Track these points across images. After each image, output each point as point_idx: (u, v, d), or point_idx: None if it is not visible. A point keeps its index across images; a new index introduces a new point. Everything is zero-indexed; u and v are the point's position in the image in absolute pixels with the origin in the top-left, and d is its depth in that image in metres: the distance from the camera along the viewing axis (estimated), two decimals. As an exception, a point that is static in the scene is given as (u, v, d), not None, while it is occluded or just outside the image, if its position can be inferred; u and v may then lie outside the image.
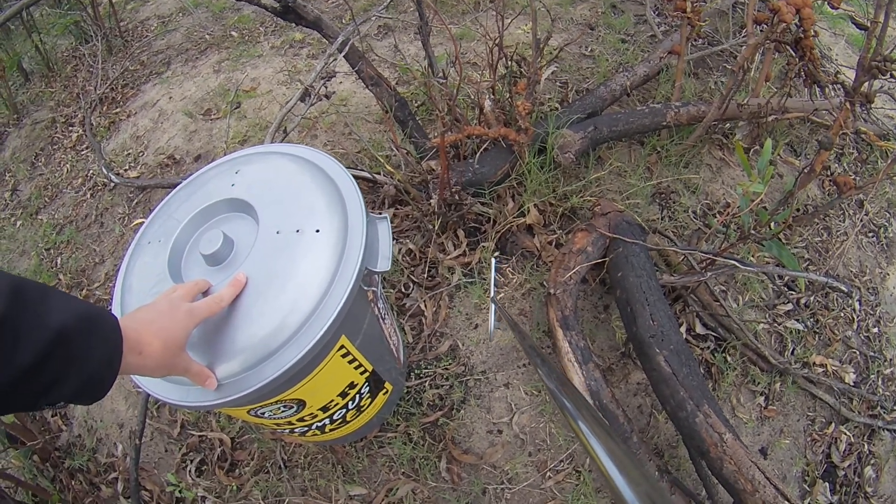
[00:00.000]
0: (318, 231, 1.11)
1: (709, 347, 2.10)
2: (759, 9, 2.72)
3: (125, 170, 3.10)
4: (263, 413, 1.24)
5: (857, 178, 2.71)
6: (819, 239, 2.50)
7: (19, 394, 0.59)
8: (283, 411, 1.26)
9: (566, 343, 1.78)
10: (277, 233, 1.11)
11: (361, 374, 1.39)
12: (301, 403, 1.27)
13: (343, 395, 1.39)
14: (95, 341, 0.67)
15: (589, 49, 3.21)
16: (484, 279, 2.19)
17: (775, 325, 2.20)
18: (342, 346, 1.20)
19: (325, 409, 1.38)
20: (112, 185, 3.04)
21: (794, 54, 2.07)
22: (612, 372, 2.04)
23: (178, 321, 0.87)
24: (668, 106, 2.44)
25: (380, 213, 1.31)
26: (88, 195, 3.09)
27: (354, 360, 1.29)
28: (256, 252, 1.09)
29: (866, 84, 1.83)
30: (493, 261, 1.64)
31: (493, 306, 1.52)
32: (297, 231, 1.11)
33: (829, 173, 2.72)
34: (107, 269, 2.70)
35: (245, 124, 3.09)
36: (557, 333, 1.81)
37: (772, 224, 1.86)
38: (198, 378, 0.95)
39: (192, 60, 3.80)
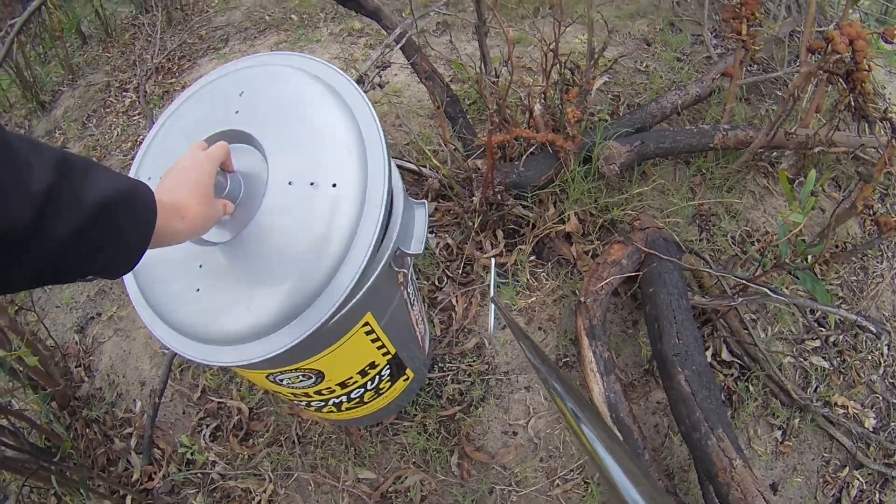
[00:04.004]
0: (334, 185, 0.99)
1: (732, 375, 2.08)
2: (814, 38, 2.68)
3: (174, 139, 3.14)
4: (282, 380, 1.25)
5: (900, 221, 2.65)
6: (855, 278, 2.46)
7: (64, 263, 0.61)
8: (301, 380, 1.27)
9: (591, 352, 1.78)
10: (290, 183, 1.00)
11: (384, 355, 1.39)
12: (320, 375, 1.27)
13: (363, 373, 1.40)
14: (133, 213, 0.69)
15: (644, 65, 3.19)
16: (518, 281, 2.20)
17: (801, 359, 2.17)
18: (367, 324, 1.19)
19: (343, 384, 1.39)
20: (160, 152, 3.07)
21: (845, 86, 2.04)
22: (634, 388, 2.03)
23: (204, 170, 0.87)
24: (717, 128, 2.42)
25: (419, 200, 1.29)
26: (136, 159, 3.13)
27: (378, 339, 1.29)
28: (267, 203, 1.00)
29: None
30: (492, 261, 1.64)
31: (492, 306, 1.52)
32: (312, 184, 0.99)
33: (871, 213, 2.67)
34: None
35: (297, 106, 3.10)
36: (583, 342, 1.81)
37: (808, 256, 1.84)
38: (224, 211, 0.94)
39: (250, 39, 3.85)
